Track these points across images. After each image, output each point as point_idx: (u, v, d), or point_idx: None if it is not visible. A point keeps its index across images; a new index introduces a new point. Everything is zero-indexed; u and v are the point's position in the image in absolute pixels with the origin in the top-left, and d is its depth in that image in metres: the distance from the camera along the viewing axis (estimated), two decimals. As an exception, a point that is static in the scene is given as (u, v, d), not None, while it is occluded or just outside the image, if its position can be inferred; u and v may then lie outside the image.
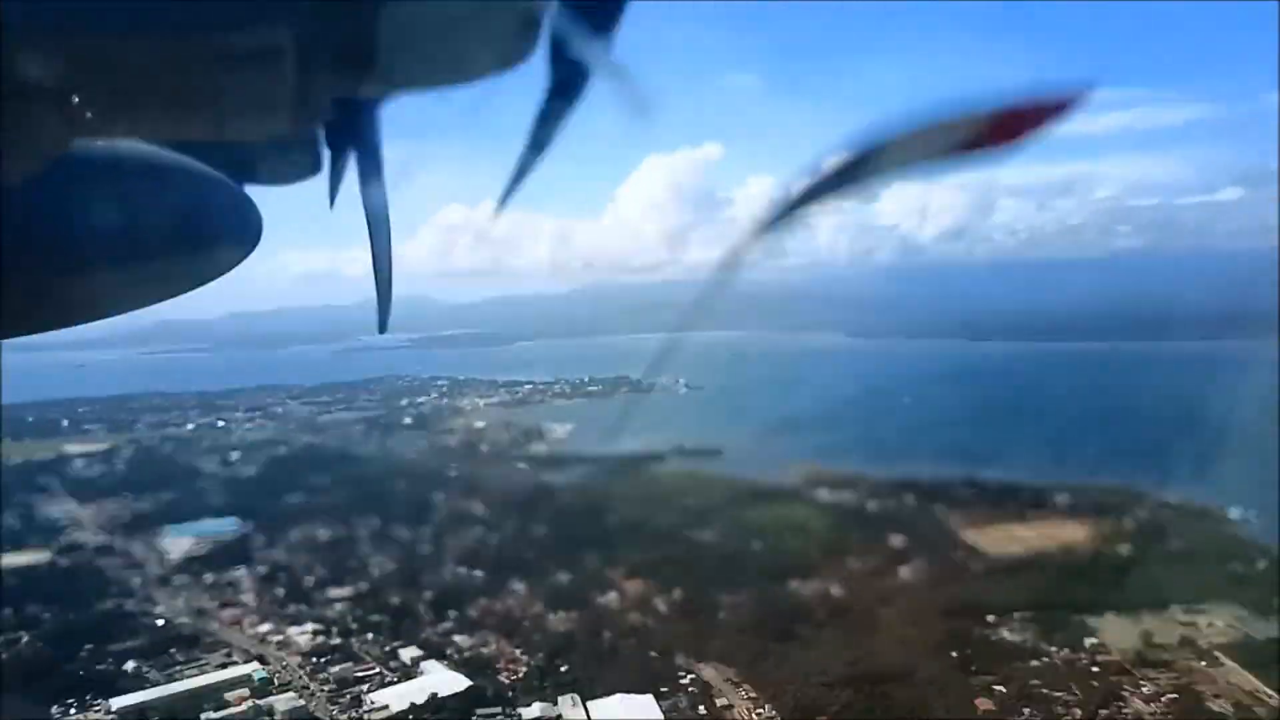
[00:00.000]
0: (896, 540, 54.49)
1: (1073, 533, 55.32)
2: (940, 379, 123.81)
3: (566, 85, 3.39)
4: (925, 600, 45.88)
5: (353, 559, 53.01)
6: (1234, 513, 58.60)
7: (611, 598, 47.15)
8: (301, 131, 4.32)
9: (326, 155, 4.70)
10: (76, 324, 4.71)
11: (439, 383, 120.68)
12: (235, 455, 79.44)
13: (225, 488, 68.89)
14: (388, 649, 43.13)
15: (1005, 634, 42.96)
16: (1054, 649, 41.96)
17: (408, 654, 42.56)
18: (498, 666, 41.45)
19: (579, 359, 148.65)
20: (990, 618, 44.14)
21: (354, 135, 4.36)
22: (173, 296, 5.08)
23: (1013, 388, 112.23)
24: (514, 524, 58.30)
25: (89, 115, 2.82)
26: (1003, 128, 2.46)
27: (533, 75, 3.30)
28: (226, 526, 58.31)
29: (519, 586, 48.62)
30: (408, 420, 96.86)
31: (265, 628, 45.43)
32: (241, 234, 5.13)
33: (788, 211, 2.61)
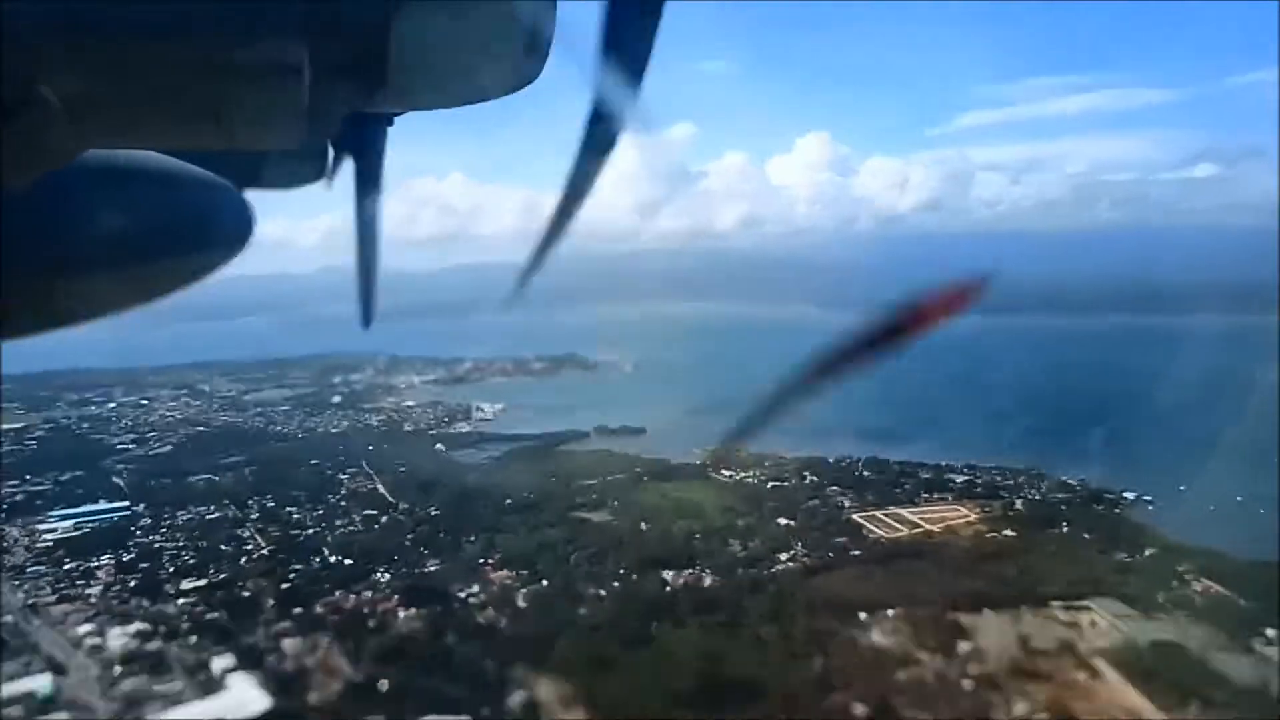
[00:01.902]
0: (783, 523, 54.05)
1: (961, 517, 54.91)
2: (904, 356, 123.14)
3: (603, 139, 3.48)
4: (797, 593, 44.58)
5: (228, 546, 51.76)
6: (1130, 496, 58.22)
7: (473, 590, 45.37)
8: (311, 142, 4.33)
9: (331, 164, 4.90)
10: (69, 325, 4.83)
11: (379, 359, 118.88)
12: (150, 435, 78.11)
13: (130, 469, 67.49)
14: (204, 656, 40.53)
15: (876, 636, 41.19)
16: (925, 656, 39.82)
17: (220, 664, 39.75)
18: (310, 682, 38.81)
19: (534, 333, 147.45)
20: (862, 615, 42.41)
21: (360, 148, 4.51)
22: (164, 295, 5.24)
23: (965, 364, 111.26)
24: (406, 508, 57.53)
25: (101, 125, 2.92)
26: (917, 321, 2.68)
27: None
28: (115, 510, 57.11)
29: (383, 578, 47.29)
30: (336, 399, 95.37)
31: (87, 628, 42.85)
32: (233, 234, 5.38)
33: (761, 420, 2.93)
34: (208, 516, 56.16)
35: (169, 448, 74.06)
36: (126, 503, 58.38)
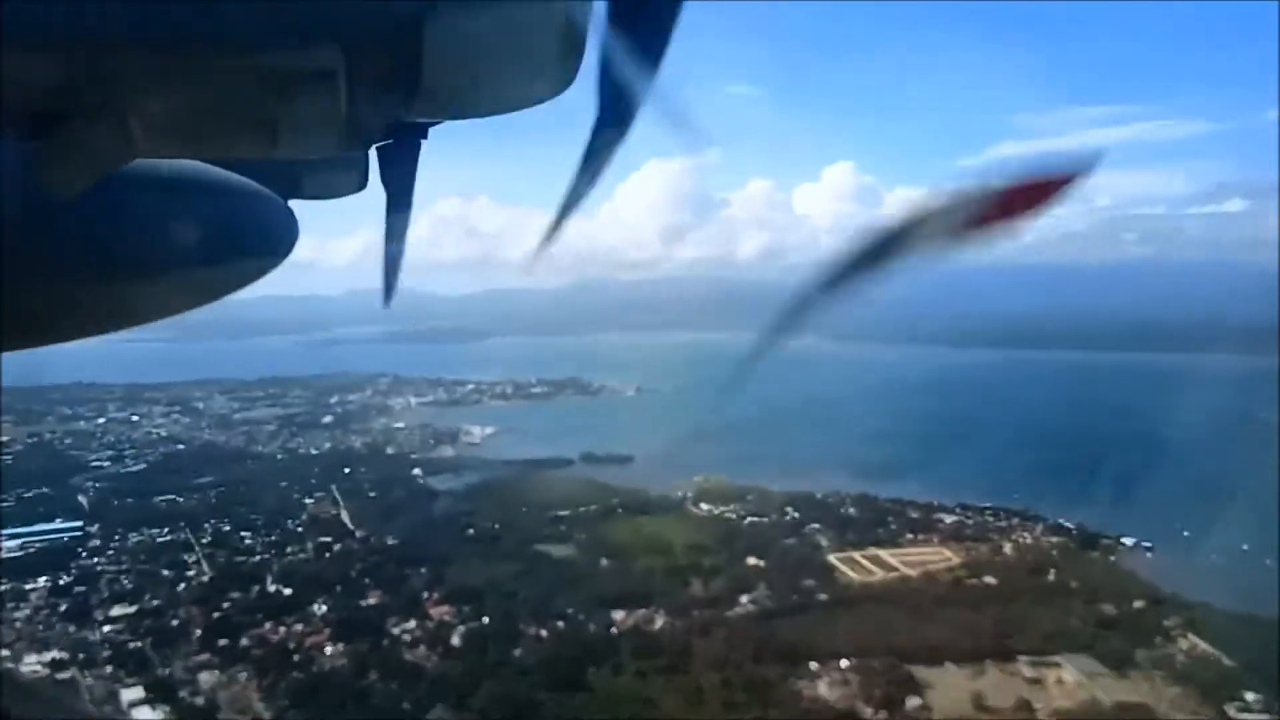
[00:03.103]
0: (753, 562, 51.17)
1: (941, 560, 51.69)
2: (902, 388, 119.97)
3: (618, 116, 3.43)
4: (749, 638, 41.58)
5: (170, 570, 49.99)
6: (1128, 542, 54.75)
7: (409, 627, 43.06)
8: (349, 152, 4.54)
9: (379, 179, 4.78)
10: (111, 331, 5.09)
11: (381, 379, 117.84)
12: (127, 452, 77.16)
13: (98, 487, 66.39)
14: (114, 687, 38.72)
15: (821, 687, 38.26)
16: (869, 710, 36.92)
17: (130, 695, 37.89)
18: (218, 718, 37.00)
19: (544, 358, 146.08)
20: (813, 664, 39.48)
21: (398, 157, 4.55)
22: (207, 302, 5.34)
23: (974, 399, 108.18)
24: (363, 536, 55.56)
25: (144, 134, 2.92)
26: (1010, 204, 2.45)
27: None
28: (65, 530, 55.68)
29: (320, 609, 45.15)
30: (327, 419, 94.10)
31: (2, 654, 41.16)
32: (277, 243, 5.57)
33: (820, 292, 2.67)
34: (159, 539, 54.59)
35: (143, 466, 72.85)
36: (80, 522, 56.96)
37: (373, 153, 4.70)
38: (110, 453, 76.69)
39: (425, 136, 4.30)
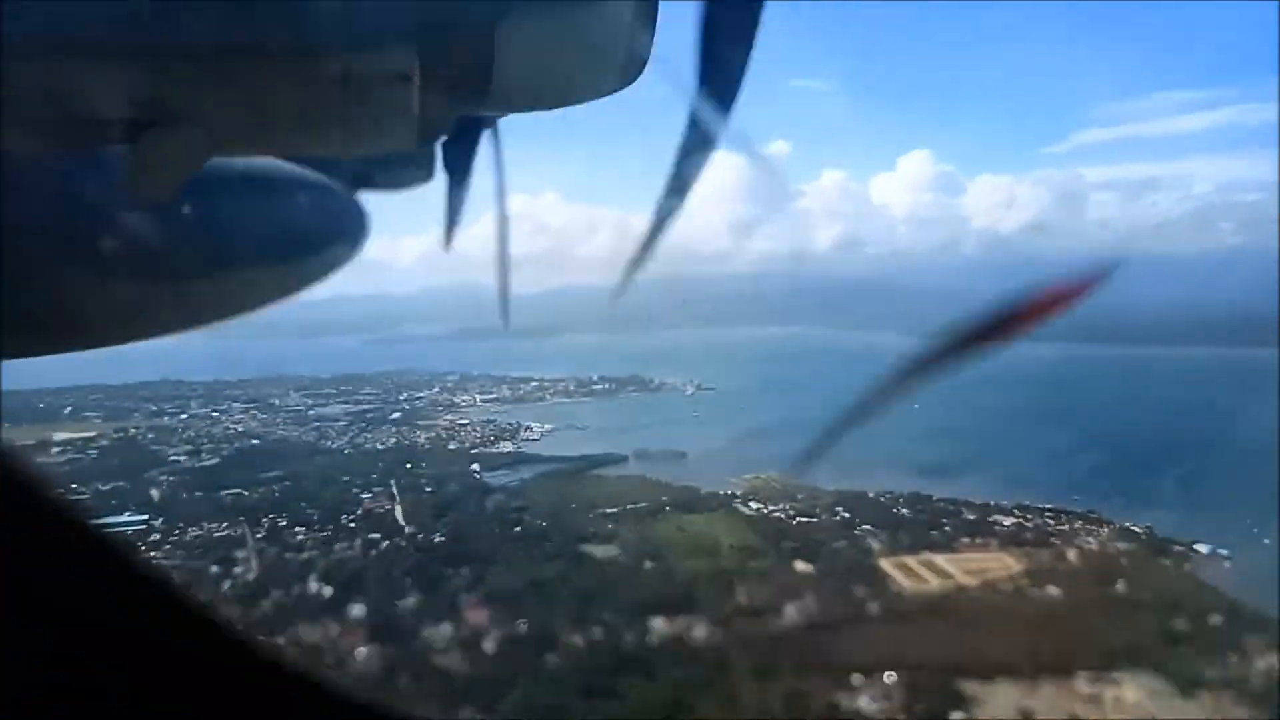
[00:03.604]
0: (801, 567, 50.34)
1: (1001, 567, 49.89)
2: (975, 384, 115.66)
3: (702, 141, 3.62)
4: (792, 646, 40.89)
5: (219, 566, 51.77)
6: (1204, 550, 51.81)
7: (442, 630, 43.40)
8: (422, 146, 4.56)
9: (442, 170, 5.03)
10: (193, 328, 5.20)
11: (448, 377, 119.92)
12: (205, 447, 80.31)
13: (171, 480, 69.32)
14: None
15: (862, 700, 37.14)
16: None
17: None
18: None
19: (610, 355, 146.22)
20: (856, 677, 38.32)
21: (469, 151, 4.67)
22: (288, 295, 5.52)
23: (1044, 395, 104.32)
24: (414, 531, 56.62)
25: (228, 135, 3.12)
26: (1038, 310, 2.70)
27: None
28: (129, 524, 58.16)
29: (358, 609, 46.05)
30: (395, 415, 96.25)
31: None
32: (351, 237, 5.74)
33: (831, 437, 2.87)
34: (215, 534, 56.51)
35: (216, 460, 75.65)
36: (145, 516, 59.46)
37: (451, 150, 4.93)
38: (189, 447, 79.94)
39: (491, 128, 4.41)
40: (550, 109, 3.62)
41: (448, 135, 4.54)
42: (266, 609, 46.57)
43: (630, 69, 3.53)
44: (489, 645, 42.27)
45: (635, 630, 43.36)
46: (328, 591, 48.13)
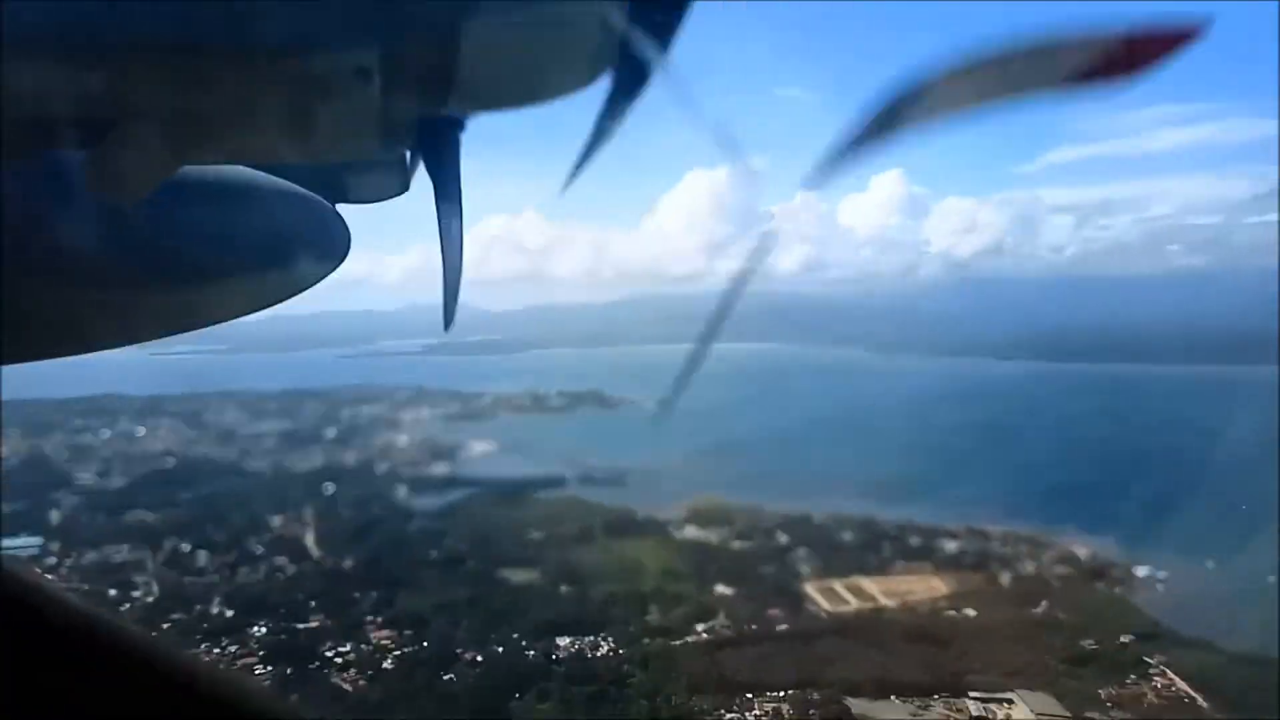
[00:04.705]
0: (721, 590, 47.37)
1: (926, 589, 47.30)
2: (936, 400, 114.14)
3: (629, 83, 3.46)
4: (690, 668, 38.90)
5: (118, 589, 48.33)
6: (1141, 573, 49.60)
7: (343, 649, 41.25)
8: (389, 152, 4.58)
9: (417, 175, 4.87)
10: (160, 338, 5.21)
11: (401, 392, 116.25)
12: (119, 467, 76.32)
13: (75, 501, 65.45)
14: None
15: (748, 718, 35.68)
16: None
17: None
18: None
19: (576, 371, 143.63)
20: (749, 695, 36.63)
21: (437, 155, 4.36)
22: (259, 309, 5.38)
23: (1008, 413, 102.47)
24: (322, 556, 53.22)
25: (185, 140, 2.97)
26: (1120, 57, 2.16)
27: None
28: (21, 548, 54.11)
29: (258, 631, 42.92)
30: (331, 433, 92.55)
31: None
32: (329, 249, 5.55)
33: (853, 147, 2.43)
34: (115, 558, 52.76)
35: (127, 481, 71.73)
36: (40, 539, 55.51)
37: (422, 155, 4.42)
38: (100, 467, 75.89)
39: (462, 129, 4.00)
40: (515, 108, 3.44)
41: (420, 142, 4.10)
42: (165, 630, 43.39)
43: (597, 67, 3.36)
44: (388, 665, 40.37)
45: (538, 651, 41.34)
46: (229, 614, 45.17)
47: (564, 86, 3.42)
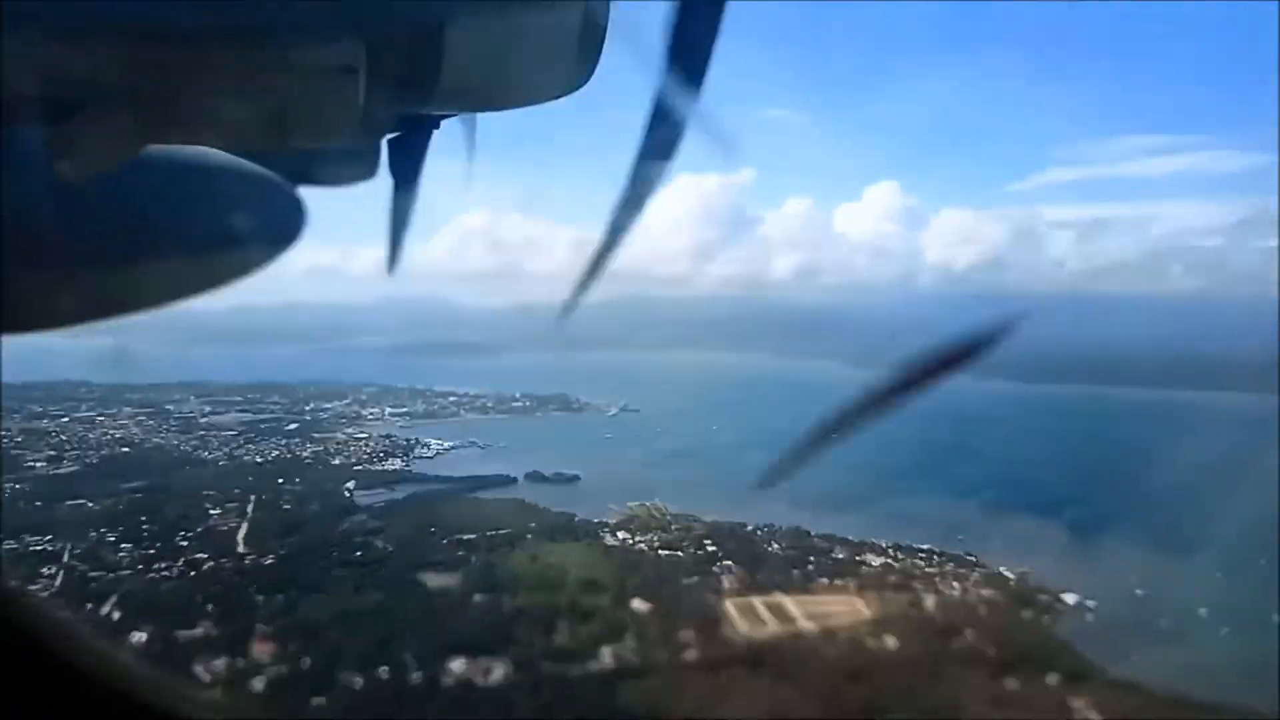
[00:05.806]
0: (636, 606, 46.99)
1: (849, 612, 46.79)
2: (902, 418, 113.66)
3: (663, 145, 3.34)
4: (584, 699, 38.04)
5: (23, 583, 47.77)
6: (1070, 600, 49.17)
7: (218, 664, 39.82)
8: (363, 141, 4.59)
9: (386, 166, 4.81)
10: (109, 318, 4.87)
11: (365, 388, 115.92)
12: (68, 454, 76.13)
13: (16, 489, 65.17)
14: None
15: None
16: None
17: None
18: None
19: (547, 373, 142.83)
20: None
21: (409, 147, 4.48)
22: (211, 289, 5.22)
23: (970, 432, 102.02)
24: (242, 554, 52.91)
25: (161, 122, 2.99)
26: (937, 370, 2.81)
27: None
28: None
29: (144, 634, 42.19)
30: (292, 427, 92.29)
31: None
32: (283, 230, 5.50)
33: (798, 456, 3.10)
34: (33, 547, 52.43)
35: (76, 468, 71.54)
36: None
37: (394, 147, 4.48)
38: (51, 453, 75.70)
39: (438, 127, 4.17)
40: (498, 109, 3.57)
41: (393, 134, 4.30)
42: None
43: (581, 72, 3.48)
44: (258, 686, 38.53)
45: (428, 672, 39.82)
46: (116, 616, 44.26)
47: (547, 91, 3.49)
